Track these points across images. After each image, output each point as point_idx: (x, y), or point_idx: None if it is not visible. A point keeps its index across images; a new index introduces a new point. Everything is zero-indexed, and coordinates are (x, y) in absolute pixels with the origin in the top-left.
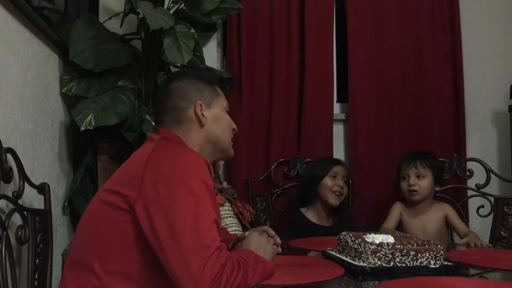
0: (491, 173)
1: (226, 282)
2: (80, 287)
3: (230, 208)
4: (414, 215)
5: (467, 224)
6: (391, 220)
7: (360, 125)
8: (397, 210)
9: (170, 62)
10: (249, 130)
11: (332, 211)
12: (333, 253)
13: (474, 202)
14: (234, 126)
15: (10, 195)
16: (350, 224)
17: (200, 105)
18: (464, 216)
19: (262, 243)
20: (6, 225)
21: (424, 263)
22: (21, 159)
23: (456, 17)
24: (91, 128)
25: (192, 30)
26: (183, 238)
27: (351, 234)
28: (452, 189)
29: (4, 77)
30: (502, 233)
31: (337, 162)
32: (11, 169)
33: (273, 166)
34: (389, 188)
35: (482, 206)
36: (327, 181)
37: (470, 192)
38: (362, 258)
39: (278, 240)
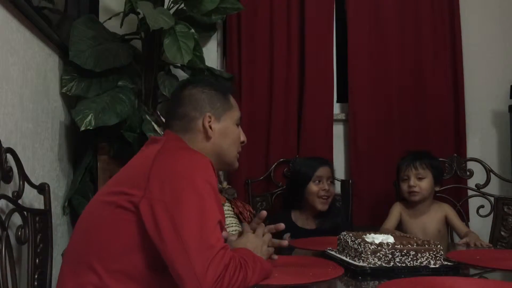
0: (491, 173)
1: (229, 283)
2: (80, 286)
3: (230, 208)
4: (414, 215)
5: (467, 224)
6: (391, 221)
7: (360, 125)
8: (397, 210)
9: (170, 62)
10: (249, 130)
11: (317, 215)
12: (333, 253)
13: (474, 202)
14: (243, 138)
15: (10, 195)
16: (335, 225)
17: (209, 117)
18: (464, 216)
19: (258, 244)
20: (6, 225)
21: (424, 263)
22: (21, 159)
23: (456, 17)
24: (91, 128)
25: (192, 30)
26: (187, 237)
27: (351, 234)
28: (452, 189)
29: (4, 77)
30: (502, 233)
31: (320, 163)
32: (11, 169)
33: (273, 166)
34: (389, 188)
35: (482, 206)
36: (312, 187)
37: (470, 192)
38: (362, 258)
39: (275, 256)
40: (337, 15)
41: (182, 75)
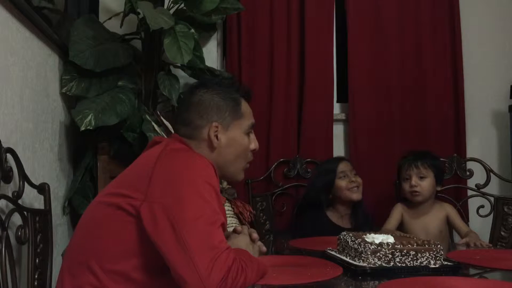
0: (491, 173)
1: (232, 284)
2: (78, 286)
3: (230, 208)
4: (416, 215)
5: (467, 224)
6: (392, 222)
7: (360, 125)
8: (398, 211)
9: (170, 62)
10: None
11: (349, 213)
12: (333, 253)
13: (474, 202)
14: (254, 146)
15: (10, 195)
16: (368, 224)
17: (216, 127)
18: (464, 216)
19: (248, 242)
20: (6, 225)
21: (424, 263)
22: (21, 159)
23: (456, 17)
24: (91, 128)
25: (192, 30)
26: (190, 239)
27: (351, 234)
28: (452, 189)
29: (4, 77)
30: (502, 233)
31: (339, 159)
32: (11, 169)
33: (273, 166)
34: (389, 188)
35: (482, 206)
36: (339, 182)
37: (470, 192)
38: (362, 258)
39: (264, 248)
40: (337, 15)
41: (182, 75)
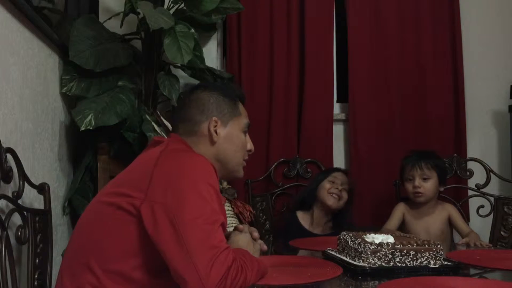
0: (491, 173)
1: (231, 283)
2: (78, 285)
3: (230, 208)
4: (418, 216)
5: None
6: (393, 221)
7: (360, 125)
8: (399, 211)
9: (170, 62)
10: (249, 130)
11: (329, 220)
12: (333, 253)
13: (474, 202)
14: (250, 147)
15: (10, 195)
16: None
17: (216, 122)
18: (464, 216)
19: (249, 241)
20: (6, 225)
21: (424, 263)
22: (21, 159)
23: (456, 17)
24: (91, 128)
25: (192, 30)
26: (190, 239)
27: (351, 234)
28: (452, 189)
29: (4, 77)
30: (502, 233)
31: (339, 170)
32: (11, 169)
33: (273, 166)
34: (389, 188)
35: (482, 206)
36: (325, 183)
37: (470, 192)
38: (362, 258)
39: (264, 247)
40: (337, 15)
41: (182, 75)
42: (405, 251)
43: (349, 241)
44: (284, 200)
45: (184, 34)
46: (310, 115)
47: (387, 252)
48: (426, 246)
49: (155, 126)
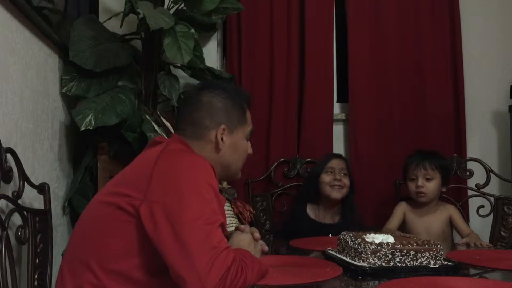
0: (491, 173)
1: (231, 284)
2: (78, 285)
3: (230, 208)
4: (420, 215)
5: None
6: (394, 221)
7: (360, 125)
8: (401, 210)
9: (170, 62)
10: None
11: (337, 209)
12: (333, 253)
13: (474, 202)
14: (250, 151)
15: (10, 195)
16: (355, 222)
17: (223, 130)
18: (464, 217)
19: (250, 241)
20: (6, 225)
21: (424, 263)
22: (21, 159)
23: (456, 17)
24: (91, 128)
25: (192, 30)
26: (189, 239)
27: (351, 234)
28: (452, 189)
29: (4, 77)
30: (502, 233)
31: (333, 156)
32: (11, 169)
33: (273, 166)
34: (389, 188)
35: (482, 206)
36: (324, 177)
37: (470, 192)
38: (362, 258)
39: (266, 247)
40: (337, 15)
41: (182, 75)
42: (405, 251)
43: (349, 241)
44: (285, 200)
45: (184, 34)
46: (310, 115)
47: (387, 252)
48: (426, 246)
49: (155, 126)
